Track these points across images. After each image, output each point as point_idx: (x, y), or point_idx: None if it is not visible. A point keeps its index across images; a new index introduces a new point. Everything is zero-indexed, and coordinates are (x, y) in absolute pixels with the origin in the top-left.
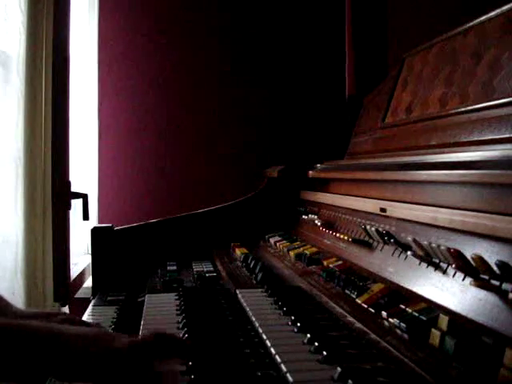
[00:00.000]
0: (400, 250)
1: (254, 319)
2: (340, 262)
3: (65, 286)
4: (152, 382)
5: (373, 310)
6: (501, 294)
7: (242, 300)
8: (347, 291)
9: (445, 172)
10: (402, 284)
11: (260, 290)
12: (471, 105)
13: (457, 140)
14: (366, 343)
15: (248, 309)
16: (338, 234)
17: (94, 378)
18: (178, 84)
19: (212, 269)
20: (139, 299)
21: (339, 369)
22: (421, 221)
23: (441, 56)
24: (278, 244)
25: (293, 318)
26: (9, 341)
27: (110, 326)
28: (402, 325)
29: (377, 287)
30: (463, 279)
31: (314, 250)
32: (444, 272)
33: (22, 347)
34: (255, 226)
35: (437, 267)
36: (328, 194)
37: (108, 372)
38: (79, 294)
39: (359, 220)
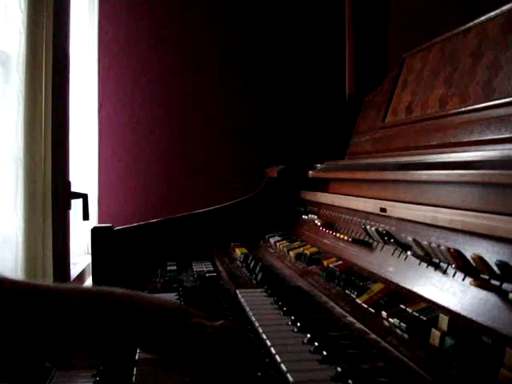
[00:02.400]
0: (400, 250)
1: (254, 319)
2: (340, 262)
3: None
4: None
5: (373, 310)
6: (501, 294)
7: (242, 300)
8: (347, 291)
9: (445, 172)
10: (402, 284)
11: (260, 290)
12: (471, 105)
13: (457, 140)
14: (366, 343)
15: (248, 309)
16: (338, 234)
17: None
18: (178, 84)
19: (212, 269)
20: None
21: (339, 369)
22: (421, 221)
23: (441, 56)
24: (277, 244)
25: (293, 317)
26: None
27: None
28: (402, 325)
29: (377, 287)
30: (463, 279)
31: (314, 249)
32: (444, 272)
33: (104, 314)
34: (255, 226)
35: (437, 267)
36: (328, 194)
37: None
38: None
39: (359, 220)
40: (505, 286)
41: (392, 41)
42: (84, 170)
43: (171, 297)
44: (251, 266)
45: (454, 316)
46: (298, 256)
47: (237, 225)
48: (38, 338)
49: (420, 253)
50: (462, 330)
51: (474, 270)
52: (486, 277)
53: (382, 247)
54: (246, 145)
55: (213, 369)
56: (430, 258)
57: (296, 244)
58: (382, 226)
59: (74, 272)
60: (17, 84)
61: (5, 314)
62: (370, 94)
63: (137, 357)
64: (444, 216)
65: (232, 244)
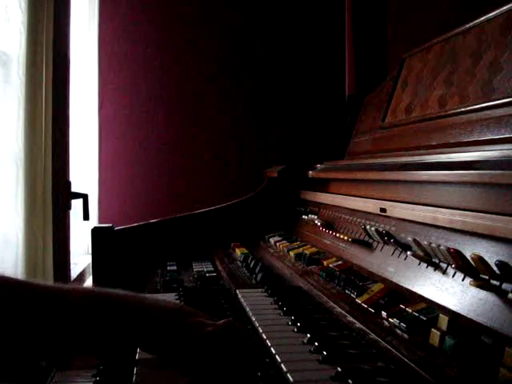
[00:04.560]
0: (400, 250)
1: (254, 319)
2: (340, 262)
3: None
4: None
5: (373, 310)
6: (501, 294)
7: (242, 300)
8: (347, 291)
9: (445, 172)
10: (401, 284)
11: (260, 289)
12: (471, 105)
13: (457, 140)
14: (365, 343)
15: (248, 309)
16: (337, 234)
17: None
18: (178, 84)
19: (212, 269)
20: None
21: (339, 369)
22: (421, 221)
23: (441, 56)
24: (278, 244)
25: (293, 317)
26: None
27: None
28: (402, 325)
29: (377, 287)
30: (463, 279)
31: (314, 250)
32: (444, 272)
33: (111, 315)
34: (255, 226)
35: (437, 267)
36: (328, 194)
37: (181, 349)
38: None
39: (359, 220)
40: (504, 285)
41: (392, 41)
42: (84, 170)
43: (171, 297)
44: (251, 265)
45: (453, 316)
46: (298, 256)
47: (237, 225)
48: (36, 337)
49: (420, 253)
50: (462, 329)
51: (474, 270)
52: (486, 277)
53: (382, 247)
54: (245, 145)
55: (214, 367)
56: (430, 258)
57: (296, 244)
58: (382, 226)
59: (74, 272)
60: (17, 84)
61: (3, 313)
62: (370, 95)
63: (137, 357)
64: (444, 216)
65: (232, 244)
